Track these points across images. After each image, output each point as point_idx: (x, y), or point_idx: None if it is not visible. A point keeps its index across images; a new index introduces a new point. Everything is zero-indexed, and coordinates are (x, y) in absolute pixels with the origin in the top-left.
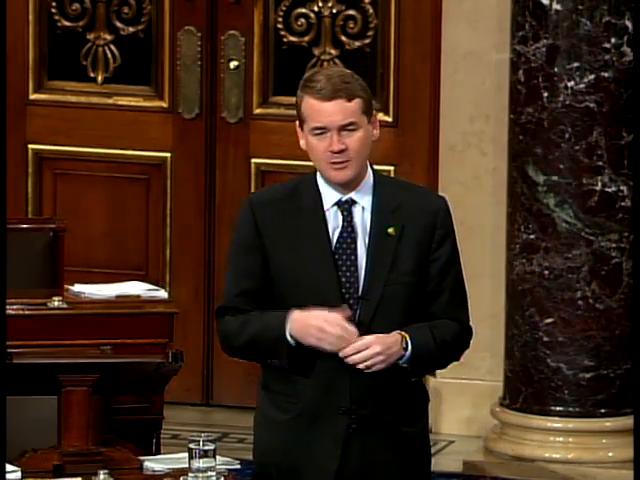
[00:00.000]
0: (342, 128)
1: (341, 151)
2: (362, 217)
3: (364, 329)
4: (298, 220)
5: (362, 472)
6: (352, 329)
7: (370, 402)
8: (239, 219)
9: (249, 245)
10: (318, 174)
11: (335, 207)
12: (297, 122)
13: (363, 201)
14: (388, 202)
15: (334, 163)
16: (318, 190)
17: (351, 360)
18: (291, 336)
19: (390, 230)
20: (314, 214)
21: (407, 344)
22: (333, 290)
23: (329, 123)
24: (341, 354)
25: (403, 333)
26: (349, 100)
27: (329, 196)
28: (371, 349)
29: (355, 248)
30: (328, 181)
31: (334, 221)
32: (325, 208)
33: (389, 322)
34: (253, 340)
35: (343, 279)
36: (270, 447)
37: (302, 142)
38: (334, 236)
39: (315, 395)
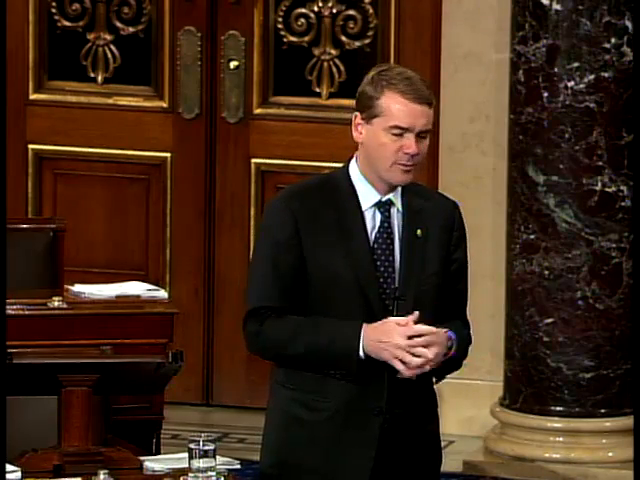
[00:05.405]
0: (420, 133)
1: (415, 155)
2: (397, 218)
3: None
4: (335, 218)
5: (395, 470)
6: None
7: (403, 402)
8: (271, 217)
9: (285, 242)
10: (353, 173)
11: (374, 207)
12: (358, 113)
13: (398, 203)
14: (414, 204)
15: (403, 165)
16: (354, 188)
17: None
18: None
19: (418, 232)
20: (353, 213)
21: (452, 345)
22: (372, 289)
23: (414, 125)
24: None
25: (449, 333)
26: (430, 107)
27: (367, 196)
28: (432, 351)
29: (393, 249)
30: (368, 181)
31: (372, 221)
32: (363, 208)
33: (423, 323)
34: (317, 352)
35: (381, 279)
36: (295, 446)
37: (357, 134)
38: (371, 236)
39: (350, 396)
